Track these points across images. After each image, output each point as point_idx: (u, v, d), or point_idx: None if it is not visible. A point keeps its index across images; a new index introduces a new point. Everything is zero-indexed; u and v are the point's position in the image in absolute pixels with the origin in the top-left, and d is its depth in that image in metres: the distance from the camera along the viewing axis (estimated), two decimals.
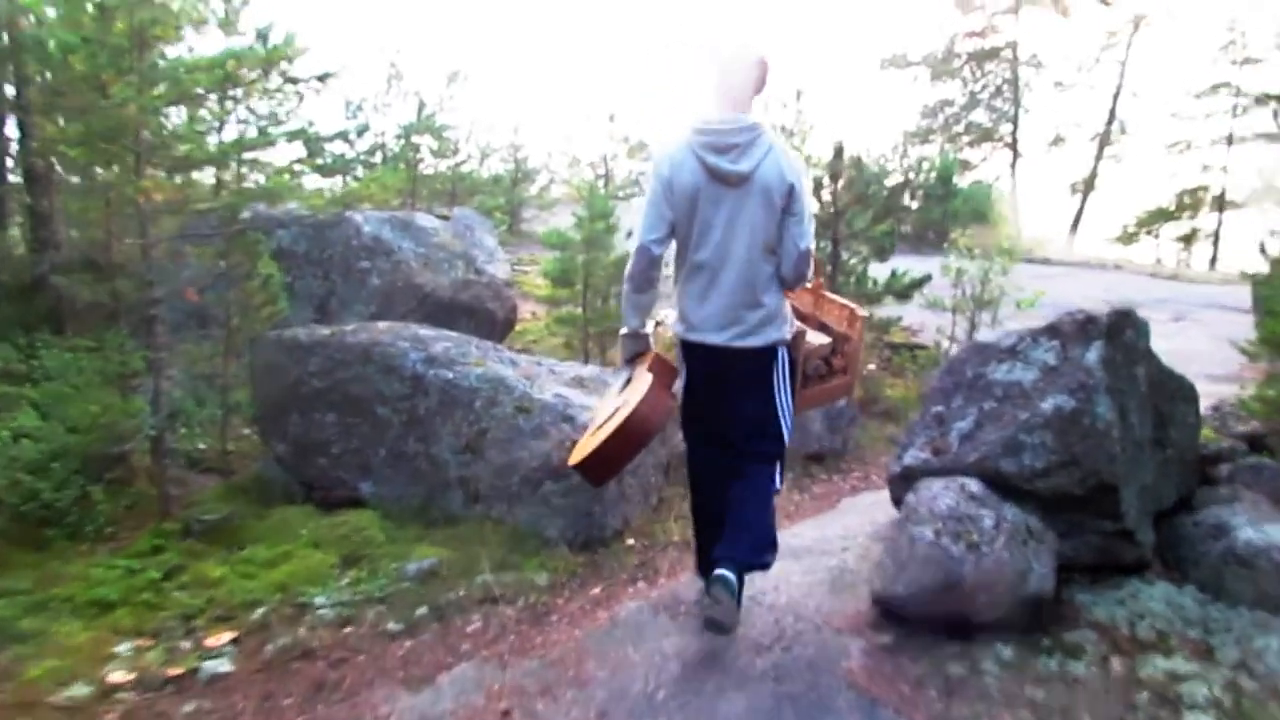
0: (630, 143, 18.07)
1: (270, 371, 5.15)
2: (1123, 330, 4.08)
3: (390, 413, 4.91)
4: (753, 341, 3.18)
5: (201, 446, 5.84)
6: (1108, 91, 29.55)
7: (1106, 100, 29.56)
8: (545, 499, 4.49)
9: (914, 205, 17.12)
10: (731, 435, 3.34)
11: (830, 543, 4.48)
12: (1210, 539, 3.96)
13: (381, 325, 5.25)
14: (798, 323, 3.47)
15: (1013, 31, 30.28)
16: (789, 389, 3.36)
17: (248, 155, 5.42)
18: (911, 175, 18.13)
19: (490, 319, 8.25)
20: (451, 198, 13.57)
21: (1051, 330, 4.13)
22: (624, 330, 3.36)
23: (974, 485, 3.81)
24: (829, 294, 3.94)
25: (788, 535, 4.41)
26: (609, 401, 3.36)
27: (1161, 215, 28.23)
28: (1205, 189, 27.51)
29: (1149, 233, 28.47)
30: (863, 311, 3.88)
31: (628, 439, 3.04)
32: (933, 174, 18.80)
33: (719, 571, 3.10)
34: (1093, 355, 3.92)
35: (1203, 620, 3.66)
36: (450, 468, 4.74)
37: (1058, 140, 30.65)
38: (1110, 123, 29.56)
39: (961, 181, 20.46)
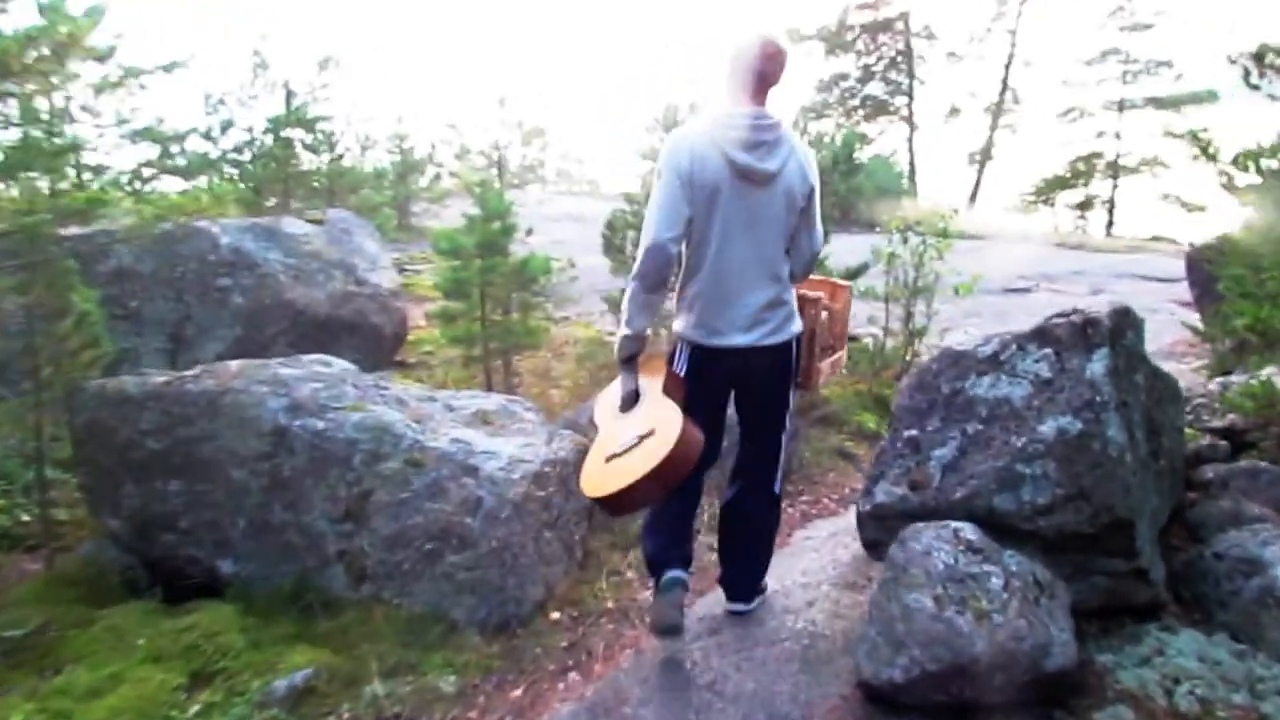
0: (525, 128, 17.12)
1: (95, 432, 4.16)
2: (1124, 333, 3.47)
3: (248, 476, 3.98)
4: (779, 338, 3.10)
5: (25, 519, 4.81)
6: (1000, 61, 29.86)
7: (999, 70, 29.86)
8: (447, 574, 3.66)
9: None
10: (743, 430, 3.34)
11: (792, 596, 3.77)
12: (1239, 576, 3.37)
13: (233, 367, 4.28)
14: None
15: (905, 2, 30.28)
16: (796, 380, 3.32)
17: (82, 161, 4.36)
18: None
19: (376, 335, 7.31)
20: (330, 195, 12.42)
21: (1041, 335, 3.50)
22: (627, 331, 3.04)
23: (970, 532, 3.15)
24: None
25: None
26: (619, 420, 3.03)
27: (1058, 183, 28.65)
28: (1099, 155, 28.00)
29: (1045, 201, 28.87)
30: (848, 285, 3.81)
31: (665, 481, 2.75)
32: (834, 149, 18.46)
33: (674, 574, 3.16)
34: (1098, 367, 3.29)
35: (1248, 680, 3.05)
36: (328, 540, 3.85)
37: (953, 111, 30.87)
38: (1004, 93, 29.89)
39: (861, 156, 20.24)
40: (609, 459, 2.85)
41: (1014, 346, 3.55)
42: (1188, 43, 33.97)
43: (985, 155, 30.44)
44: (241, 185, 11.51)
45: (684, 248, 3.05)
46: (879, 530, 3.59)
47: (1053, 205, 29.21)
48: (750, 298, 3.05)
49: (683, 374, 3.14)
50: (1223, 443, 4.44)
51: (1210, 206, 5.62)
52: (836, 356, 3.71)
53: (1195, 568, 3.54)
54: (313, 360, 4.53)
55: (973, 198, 30.00)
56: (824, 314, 3.49)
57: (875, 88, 31.79)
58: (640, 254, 2.95)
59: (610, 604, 3.89)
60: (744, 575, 3.51)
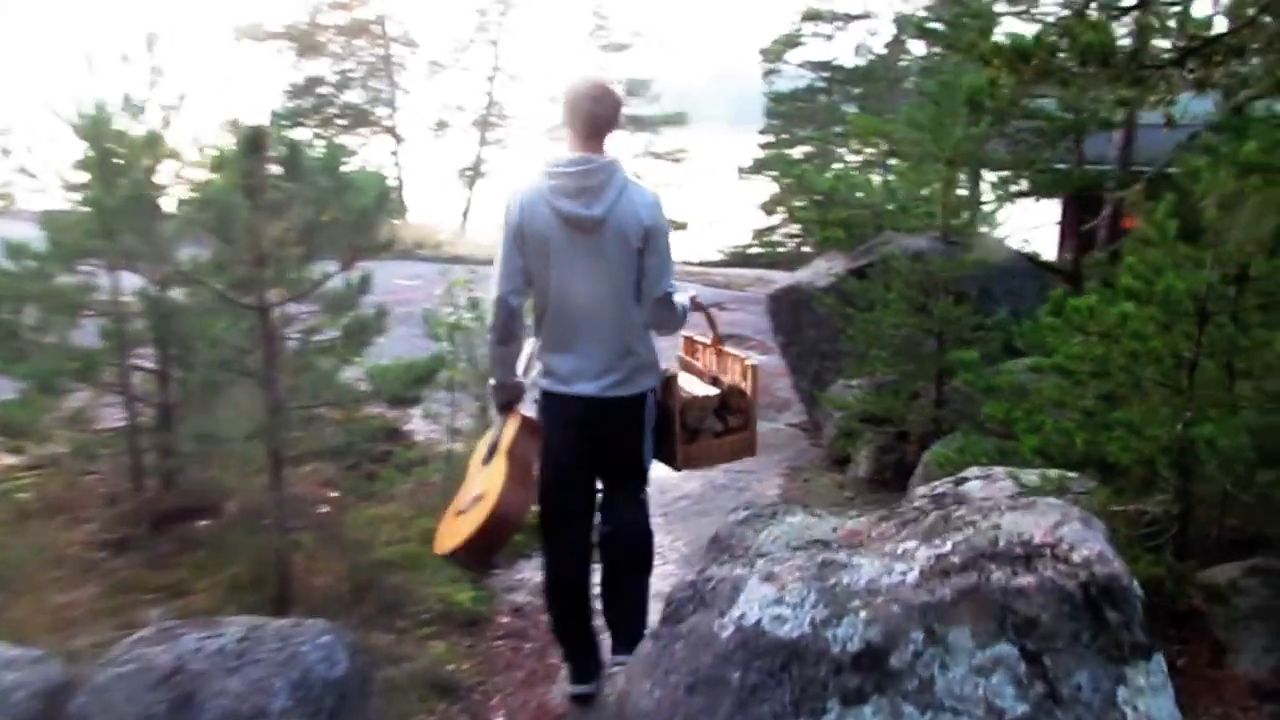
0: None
1: None
2: None
3: None
4: (629, 390, 3.06)
5: None
6: (484, 74, 29.06)
7: (484, 83, 29.05)
8: None
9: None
10: (601, 479, 3.27)
11: None
12: None
13: None
14: (667, 367, 3.33)
15: (381, 6, 28.08)
16: (651, 432, 3.20)
17: None
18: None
19: None
20: None
21: None
22: (491, 382, 3.18)
23: None
24: (729, 349, 3.64)
25: None
26: (475, 472, 3.14)
27: None
28: None
29: None
30: (751, 360, 3.53)
31: (491, 541, 2.97)
32: (316, 162, 15.68)
33: (583, 691, 3.17)
34: None
35: None
36: None
37: (440, 125, 29.36)
38: (490, 106, 29.12)
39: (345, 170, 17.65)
40: (456, 515, 3.05)
41: None
42: (663, 65, 36.41)
43: (476, 172, 29.51)
44: None
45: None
46: None
47: None
48: (594, 347, 3.02)
49: (540, 422, 3.14)
50: None
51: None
52: (730, 440, 3.46)
53: None
54: None
55: (465, 216, 28.86)
56: (693, 393, 3.39)
57: (355, 95, 29.18)
58: (489, 309, 3.04)
59: None
60: (620, 617, 3.30)
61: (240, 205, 3.54)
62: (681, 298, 3.17)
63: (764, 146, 26.48)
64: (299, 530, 3.77)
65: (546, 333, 3.07)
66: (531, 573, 4.33)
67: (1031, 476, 3.62)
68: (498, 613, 3.87)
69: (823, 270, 6.96)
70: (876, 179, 6.20)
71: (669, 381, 3.28)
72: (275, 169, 3.82)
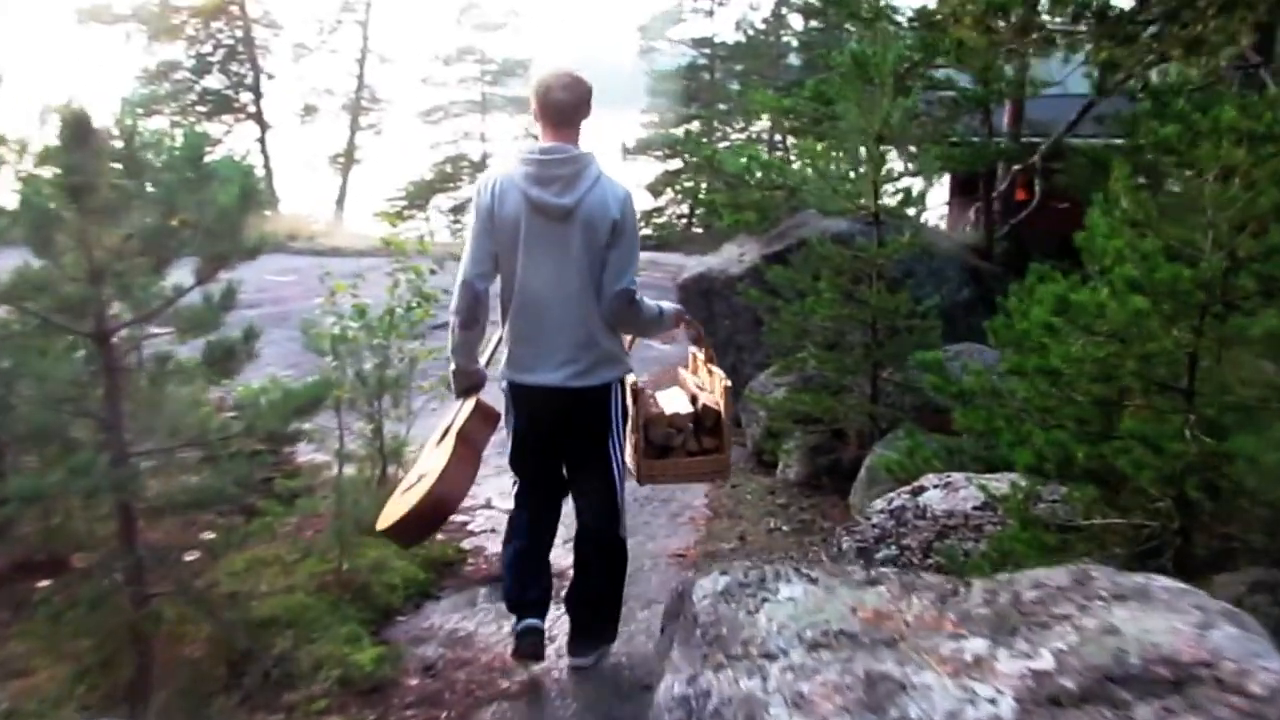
0: None
1: None
2: None
3: None
4: (590, 381, 3.06)
5: None
6: (354, 56, 27.67)
7: (354, 66, 27.67)
8: None
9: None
10: (568, 474, 3.29)
11: None
12: None
13: None
14: (633, 376, 3.33)
15: None
16: (623, 428, 3.21)
17: None
18: (151, 155, 13.59)
19: None
20: None
21: None
22: (452, 366, 3.18)
23: None
24: (714, 368, 3.48)
25: None
26: (427, 453, 3.13)
27: (428, 188, 27.52)
28: (465, 158, 27.48)
29: (418, 206, 27.57)
30: (726, 380, 3.35)
31: (425, 522, 3.00)
32: (174, 153, 14.49)
33: (528, 624, 3.17)
34: None
35: None
36: None
37: (309, 110, 27.84)
38: (360, 90, 27.77)
39: (209, 159, 16.46)
40: (404, 492, 3.02)
41: None
42: (542, 44, 35.37)
43: (349, 158, 28.13)
44: None
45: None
46: None
47: (425, 211, 28.07)
48: (558, 336, 3.02)
49: (504, 410, 3.16)
50: None
51: None
52: (698, 460, 3.33)
53: None
54: None
55: (340, 204, 27.47)
56: (661, 408, 3.35)
57: (215, 80, 27.38)
58: (455, 291, 3.03)
59: None
60: (580, 620, 3.36)
61: (63, 210, 2.89)
62: (669, 307, 3.22)
63: (646, 126, 26.06)
64: (159, 595, 3.15)
65: (512, 321, 3.09)
66: (441, 619, 3.81)
67: (998, 485, 3.31)
68: (405, 674, 3.34)
69: (734, 256, 6.59)
70: (794, 159, 5.83)
71: (636, 394, 3.29)
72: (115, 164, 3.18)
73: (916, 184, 4.39)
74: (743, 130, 24.72)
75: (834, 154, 4.76)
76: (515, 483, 3.34)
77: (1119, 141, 8.82)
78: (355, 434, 4.55)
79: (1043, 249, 8.79)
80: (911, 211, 4.76)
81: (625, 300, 3.00)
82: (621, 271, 2.98)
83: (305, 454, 4.86)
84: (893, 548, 3.27)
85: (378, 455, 4.57)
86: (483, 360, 3.21)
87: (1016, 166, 7.61)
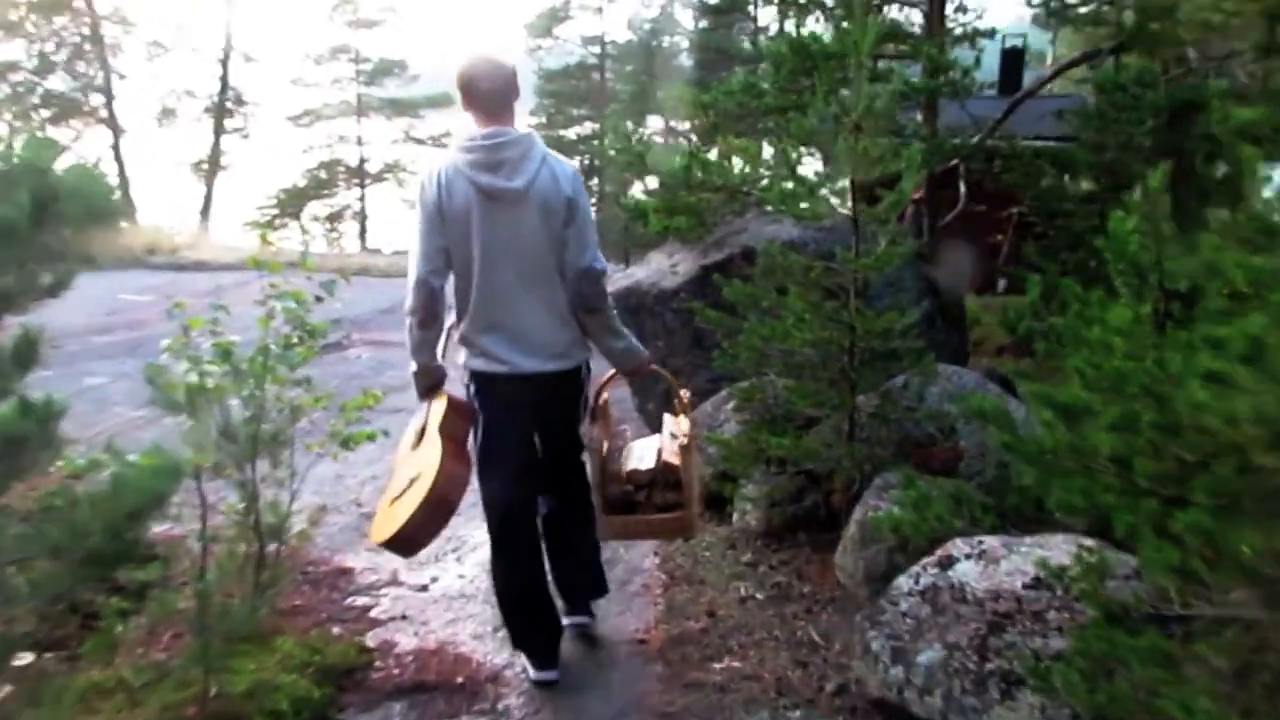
0: None
1: None
2: None
3: None
4: (566, 364, 3.08)
5: None
6: (215, 55, 25.85)
7: (216, 66, 25.85)
8: None
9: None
10: (543, 460, 3.25)
11: None
12: None
13: None
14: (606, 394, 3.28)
15: None
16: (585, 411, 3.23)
17: None
18: None
19: None
20: None
21: None
22: (412, 366, 3.11)
23: None
24: (685, 416, 3.24)
25: None
26: (405, 459, 3.06)
27: (301, 195, 25.94)
28: (340, 162, 26.02)
29: (292, 214, 25.95)
30: (684, 436, 3.13)
31: (435, 518, 2.89)
32: (15, 163, 12.93)
33: (546, 677, 3.14)
34: None
35: None
36: None
37: (167, 113, 25.91)
38: (224, 92, 25.97)
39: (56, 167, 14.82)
40: (391, 503, 2.97)
41: None
42: (421, 44, 33.98)
43: (214, 165, 26.26)
44: None
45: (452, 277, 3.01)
46: None
47: (299, 219, 26.43)
48: (526, 321, 2.99)
49: (475, 405, 3.09)
50: None
51: None
52: (660, 519, 3.16)
53: None
54: None
55: (205, 214, 25.56)
56: (623, 463, 3.23)
57: (60, 81, 25.16)
58: (408, 290, 2.98)
59: None
60: (575, 579, 3.47)
61: None
62: (641, 351, 3.22)
63: (535, 127, 25.22)
64: None
65: (474, 313, 3.02)
66: None
67: (1058, 556, 2.66)
68: None
69: (665, 267, 5.85)
70: (737, 159, 5.14)
71: (601, 407, 3.24)
72: None
73: (904, 183, 3.73)
74: (635, 131, 24.15)
75: (796, 151, 4.09)
76: (489, 483, 3.18)
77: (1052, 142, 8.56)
78: (222, 508, 3.60)
79: (969, 255, 8.44)
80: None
81: (590, 277, 2.98)
82: (583, 248, 2.97)
83: (160, 535, 3.86)
84: (937, 648, 2.58)
85: (252, 532, 3.62)
86: (439, 356, 3.13)
87: (954, 163, 7.19)
